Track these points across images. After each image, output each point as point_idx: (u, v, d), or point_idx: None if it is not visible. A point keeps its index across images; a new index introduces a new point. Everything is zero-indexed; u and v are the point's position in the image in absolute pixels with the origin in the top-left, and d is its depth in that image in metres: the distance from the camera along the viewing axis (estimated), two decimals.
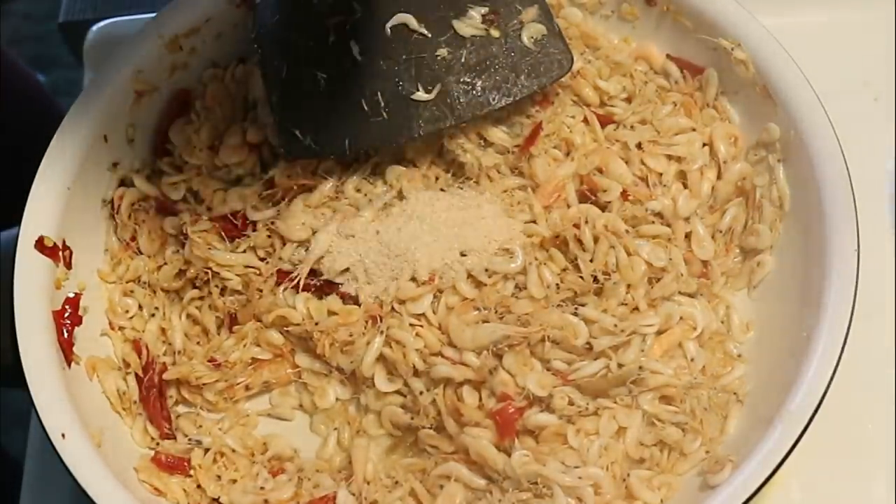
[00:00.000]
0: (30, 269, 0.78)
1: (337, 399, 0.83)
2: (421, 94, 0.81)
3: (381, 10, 0.82)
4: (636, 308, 0.79)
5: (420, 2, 0.82)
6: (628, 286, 0.79)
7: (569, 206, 0.83)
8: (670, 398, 0.77)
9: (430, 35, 0.82)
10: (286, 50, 0.83)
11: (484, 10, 0.83)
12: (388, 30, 0.82)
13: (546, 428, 0.76)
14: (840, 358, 0.72)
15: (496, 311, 0.79)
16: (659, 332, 0.79)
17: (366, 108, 0.82)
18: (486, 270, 0.80)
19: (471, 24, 0.82)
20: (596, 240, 0.80)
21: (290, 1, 0.84)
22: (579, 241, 0.81)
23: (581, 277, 0.80)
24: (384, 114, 0.82)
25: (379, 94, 0.82)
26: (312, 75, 0.82)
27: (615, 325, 0.77)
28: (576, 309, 0.79)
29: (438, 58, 0.82)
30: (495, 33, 0.82)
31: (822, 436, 0.74)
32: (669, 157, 0.85)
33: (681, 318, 0.80)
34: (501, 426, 0.76)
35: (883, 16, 0.98)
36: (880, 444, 0.82)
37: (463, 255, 0.81)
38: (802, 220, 0.80)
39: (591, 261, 0.80)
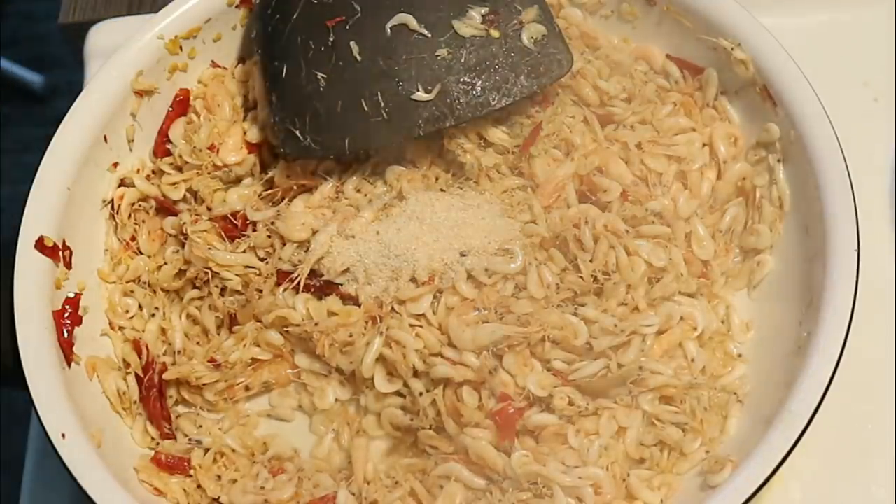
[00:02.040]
0: (30, 269, 0.78)
1: (336, 400, 0.83)
2: (421, 94, 0.81)
3: (382, 10, 0.82)
4: (636, 308, 0.79)
5: (420, 2, 0.82)
6: (628, 286, 0.79)
7: (569, 207, 0.83)
8: (670, 398, 0.77)
9: (430, 35, 0.82)
10: (286, 50, 0.83)
11: (484, 10, 0.82)
12: (389, 30, 0.82)
13: (546, 428, 0.76)
14: (840, 358, 0.72)
15: (496, 312, 0.79)
16: (659, 333, 0.79)
17: (366, 107, 0.82)
18: (486, 270, 0.80)
19: (471, 24, 0.82)
20: (596, 240, 0.80)
21: (290, 1, 0.84)
22: (579, 241, 0.81)
23: (581, 277, 0.80)
24: (384, 114, 0.81)
25: (379, 93, 0.81)
26: (312, 75, 0.82)
27: (615, 326, 0.77)
28: (576, 309, 0.79)
29: (438, 58, 0.82)
30: (495, 33, 0.82)
31: (822, 436, 0.74)
32: (669, 157, 0.85)
33: (681, 318, 0.80)
34: (501, 427, 0.76)
35: (883, 16, 0.98)
36: (880, 444, 0.82)
37: (463, 255, 0.81)
38: (802, 220, 0.80)
39: (591, 261, 0.80)
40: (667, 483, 0.76)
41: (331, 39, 0.82)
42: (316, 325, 0.80)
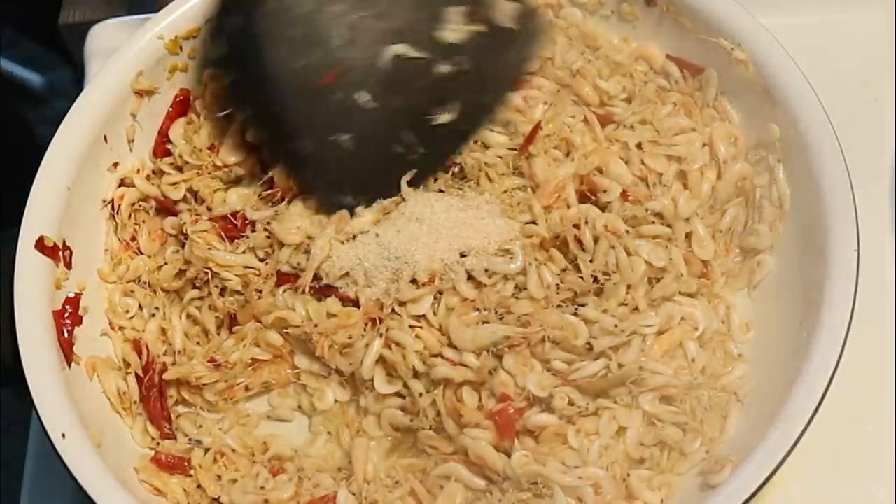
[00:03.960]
0: (30, 269, 0.78)
1: (336, 401, 0.83)
2: (444, 116, 0.80)
3: (369, 50, 0.79)
4: (636, 308, 0.79)
5: (400, 28, 0.80)
6: (628, 286, 0.79)
7: (569, 207, 0.83)
8: (670, 398, 0.77)
9: (426, 56, 0.80)
10: (302, 128, 0.81)
11: (461, 8, 0.81)
12: (387, 65, 0.80)
13: (546, 428, 0.76)
14: (840, 358, 0.72)
15: (496, 312, 0.79)
16: (659, 333, 0.79)
17: (401, 148, 0.81)
18: (486, 271, 0.80)
19: (455, 28, 0.81)
20: (596, 240, 0.80)
21: (281, 82, 0.79)
22: (579, 242, 0.81)
23: (581, 278, 0.80)
24: (421, 149, 0.81)
25: (405, 130, 0.80)
26: (335, 141, 0.80)
27: (615, 326, 0.77)
28: (576, 309, 0.79)
29: (444, 74, 0.80)
30: (480, 27, 0.81)
31: (822, 436, 0.74)
32: (669, 157, 0.85)
33: (682, 318, 0.80)
34: (501, 427, 0.76)
35: (883, 16, 0.98)
36: (880, 444, 0.82)
37: (463, 255, 0.81)
38: (802, 220, 0.80)
39: (591, 261, 0.80)
40: (667, 483, 0.76)
41: (336, 98, 0.80)
42: (315, 326, 0.80)
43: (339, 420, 0.83)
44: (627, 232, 0.81)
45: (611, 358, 0.77)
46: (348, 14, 0.78)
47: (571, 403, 0.76)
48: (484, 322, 0.78)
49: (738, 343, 0.82)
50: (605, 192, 0.83)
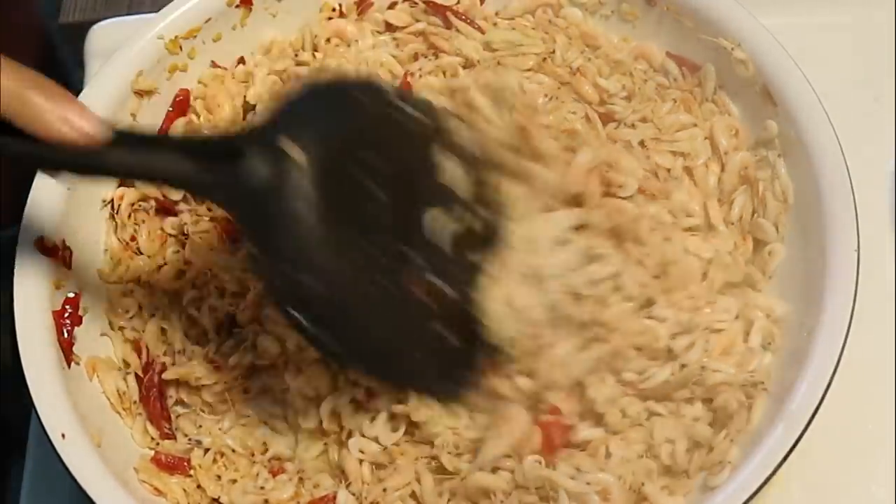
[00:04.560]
0: (30, 269, 0.78)
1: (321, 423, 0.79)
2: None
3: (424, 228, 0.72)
4: (695, 305, 0.77)
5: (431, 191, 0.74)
6: (685, 282, 0.77)
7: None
8: (714, 397, 0.75)
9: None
10: (402, 348, 0.72)
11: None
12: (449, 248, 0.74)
13: (590, 442, 0.75)
14: (840, 358, 0.72)
15: (590, 327, 0.76)
16: (717, 330, 0.77)
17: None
18: (589, 283, 0.76)
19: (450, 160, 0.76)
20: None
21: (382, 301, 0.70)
22: (636, 236, 0.78)
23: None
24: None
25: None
26: (439, 337, 0.73)
27: (690, 320, 0.75)
28: (649, 311, 0.76)
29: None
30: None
31: (822, 436, 0.74)
32: (674, 153, 0.85)
33: (737, 313, 0.78)
34: (546, 442, 0.74)
35: (883, 16, 0.98)
36: (880, 444, 0.82)
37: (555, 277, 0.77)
38: (802, 220, 0.80)
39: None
40: (682, 486, 0.74)
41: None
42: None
43: (330, 439, 0.80)
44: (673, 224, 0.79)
45: (676, 358, 0.74)
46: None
47: (625, 416, 0.74)
48: (585, 344, 0.75)
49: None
50: (620, 187, 0.81)
